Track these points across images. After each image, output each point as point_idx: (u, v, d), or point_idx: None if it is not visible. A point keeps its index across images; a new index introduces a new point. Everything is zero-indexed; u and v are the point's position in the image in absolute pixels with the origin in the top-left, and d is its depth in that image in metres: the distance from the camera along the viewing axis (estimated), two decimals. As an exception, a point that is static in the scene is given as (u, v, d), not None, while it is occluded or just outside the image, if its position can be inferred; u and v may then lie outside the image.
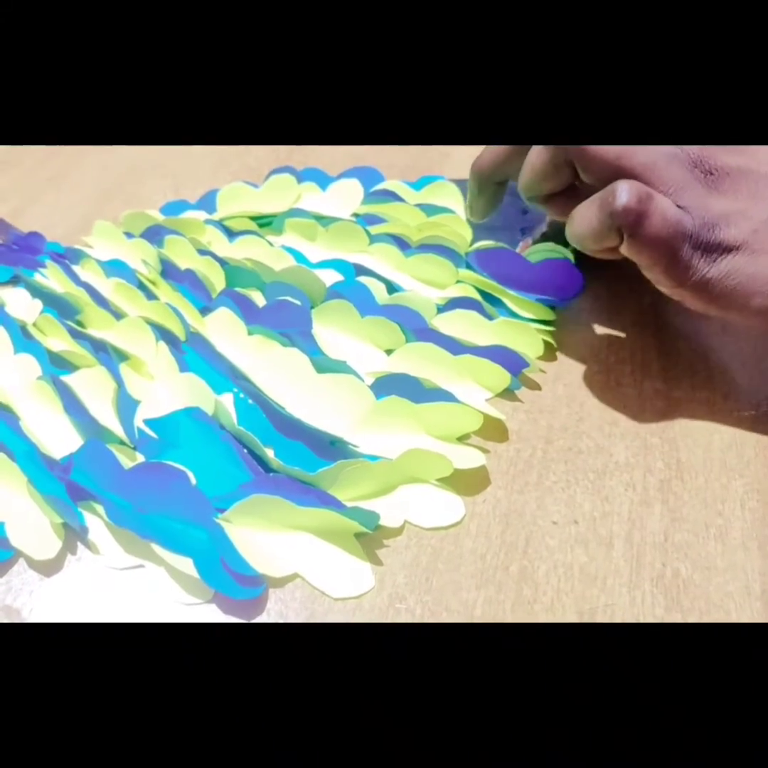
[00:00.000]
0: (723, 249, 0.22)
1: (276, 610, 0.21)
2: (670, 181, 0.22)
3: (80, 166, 0.40)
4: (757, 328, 0.24)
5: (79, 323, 0.29)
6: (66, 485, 0.23)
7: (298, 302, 0.28)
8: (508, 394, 0.26)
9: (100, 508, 0.22)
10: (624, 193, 0.22)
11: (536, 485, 0.24)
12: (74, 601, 0.21)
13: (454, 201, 0.33)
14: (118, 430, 0.25)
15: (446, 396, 0.25)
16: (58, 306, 0.29)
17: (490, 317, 0.28)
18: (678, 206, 0.22)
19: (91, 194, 0.38)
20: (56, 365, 0.27)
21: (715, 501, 0.23)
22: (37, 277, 0.31)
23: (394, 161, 0.36)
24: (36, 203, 0.37)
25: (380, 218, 0.32)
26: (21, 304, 0.30)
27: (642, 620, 0.20)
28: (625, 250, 0.23)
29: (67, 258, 0.32)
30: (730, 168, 0.23)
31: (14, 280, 0.32)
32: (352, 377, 0.25)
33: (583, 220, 0.23)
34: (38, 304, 0.30)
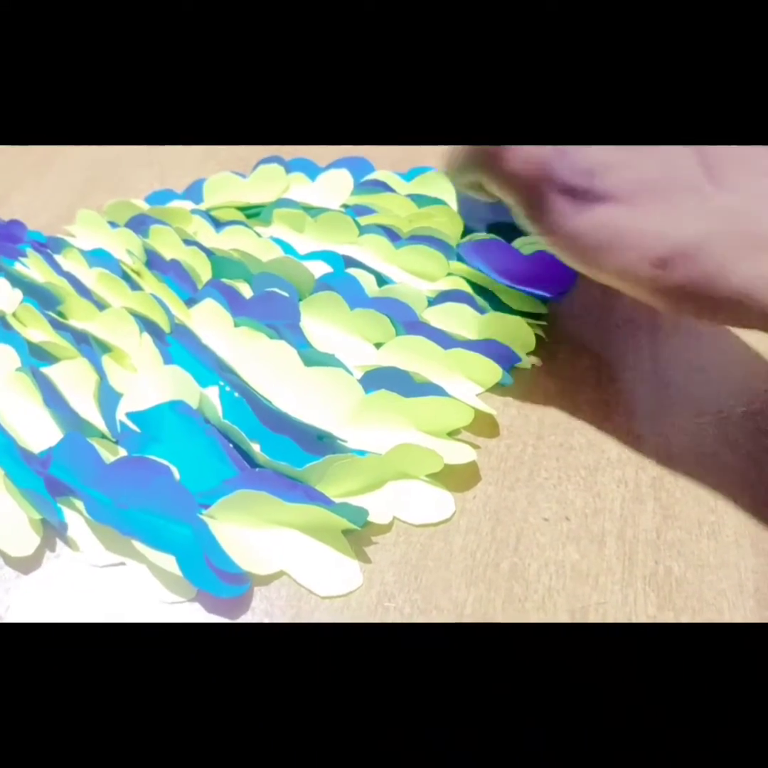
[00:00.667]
0: (596, 197, 0.20)
1: (261, 609, 0.21)
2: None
3: (64, 154, 0.39)
4: (635, 294, 0.22)
5: (61, 314, 0.28)
6: (44, 480, 0.22)
7: (285, 294, 0.27)
8: (499, 388, 0.26)
9: (79, 504, 0.22)
10: None
11: (527, 481, 0.23)
12: (53, 600, 0.21)
13: (446, 192, 0.32)
14: (100, 423, 0.24)
15: (436, 390, 0.24)
16: (38, 296, 0.29)
17: (481, 310, 0.28)
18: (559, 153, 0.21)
19: (75, 182, 0.37)
20: (36, 357, 0.26)
21: (708, 498, 0.23)
22: (18, 267, 0.30)
23: (385, 152, 0.35)
24: (18, 191, 0.36)
25: (370, 209, 0.32)
26: (0, 293, 0.29)
27: (634, 618, 0.20)
28: (489, 187, 0.23)
29: (49, 247, 0.31)
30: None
31: (-6, 270, 0.31)
32: (341, 371, 0.25)
33: (452, 155, 0.24)
34: (18, 294, 0.29)
